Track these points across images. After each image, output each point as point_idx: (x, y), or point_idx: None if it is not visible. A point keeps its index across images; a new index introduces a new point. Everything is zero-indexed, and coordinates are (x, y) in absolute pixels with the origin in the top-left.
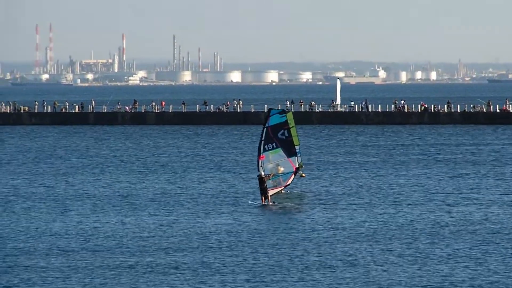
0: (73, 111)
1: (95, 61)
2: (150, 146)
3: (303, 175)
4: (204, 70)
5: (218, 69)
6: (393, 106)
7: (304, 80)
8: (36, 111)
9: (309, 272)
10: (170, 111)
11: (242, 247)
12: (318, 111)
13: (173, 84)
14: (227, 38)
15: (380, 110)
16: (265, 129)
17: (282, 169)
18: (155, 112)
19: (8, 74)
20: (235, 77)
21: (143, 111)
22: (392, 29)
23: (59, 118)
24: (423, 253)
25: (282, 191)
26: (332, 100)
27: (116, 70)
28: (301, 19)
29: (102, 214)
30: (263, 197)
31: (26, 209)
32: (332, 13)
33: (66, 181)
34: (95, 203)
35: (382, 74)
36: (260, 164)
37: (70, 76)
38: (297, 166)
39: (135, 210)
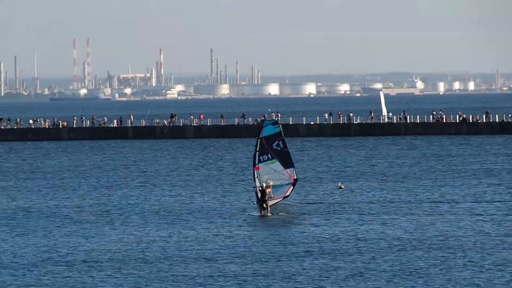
0: (112, 126)
1: (133, 75)
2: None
3: (343, 186)
4: (242, 83)
5: (256, 82)
6: (431, 116)
7: (342, 92)
8: (74, 126)
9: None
10: (208, 124)
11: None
12: (356, 122)
13: (211, 97)
14: (265, 50)
15: (418, 121)
16: (259, 140)
17: (271, 182)
18: (194, 125)
19: (46, 89)
20: (273, 89)
21: (181, 124)
22: (429, 39)
23: (98, 133)
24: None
25: (279, 203)
26: (371, 111)
27: (154, 84)
28: (339, 31)
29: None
30: (261, 209)
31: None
32: (370, 25)
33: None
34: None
35: (420, 85)
36: (256, 175)
37: (108, 91)
38: (295, 177)
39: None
